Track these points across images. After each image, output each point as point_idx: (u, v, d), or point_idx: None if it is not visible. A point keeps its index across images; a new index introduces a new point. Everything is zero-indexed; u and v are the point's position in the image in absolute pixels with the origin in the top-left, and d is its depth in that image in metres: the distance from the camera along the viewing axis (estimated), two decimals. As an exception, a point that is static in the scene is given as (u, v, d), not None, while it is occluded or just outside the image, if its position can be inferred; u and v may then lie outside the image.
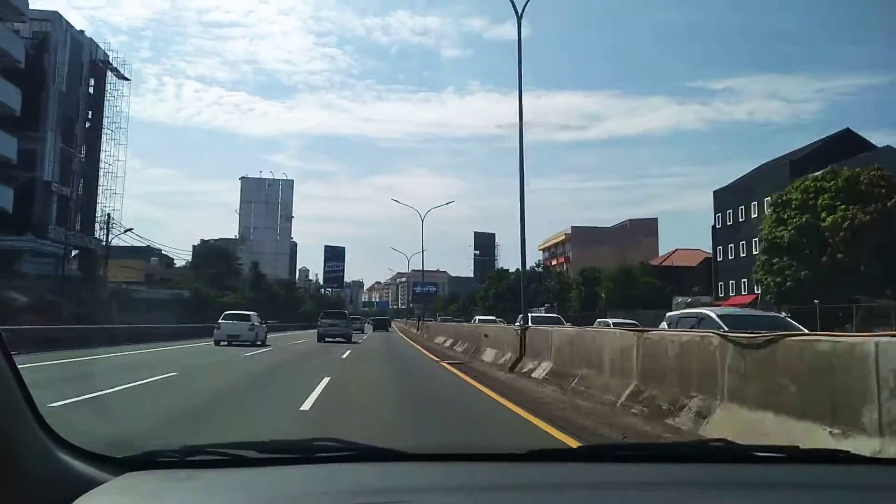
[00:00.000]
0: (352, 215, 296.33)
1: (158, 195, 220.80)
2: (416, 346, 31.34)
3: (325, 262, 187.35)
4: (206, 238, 72.62)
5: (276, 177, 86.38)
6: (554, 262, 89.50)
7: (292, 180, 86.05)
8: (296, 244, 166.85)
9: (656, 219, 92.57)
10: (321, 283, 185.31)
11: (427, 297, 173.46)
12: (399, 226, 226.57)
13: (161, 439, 4.88)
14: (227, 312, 28.48)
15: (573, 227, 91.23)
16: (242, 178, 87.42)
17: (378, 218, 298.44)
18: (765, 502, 1.43)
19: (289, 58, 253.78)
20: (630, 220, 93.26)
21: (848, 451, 1.88)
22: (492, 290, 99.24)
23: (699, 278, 65.92)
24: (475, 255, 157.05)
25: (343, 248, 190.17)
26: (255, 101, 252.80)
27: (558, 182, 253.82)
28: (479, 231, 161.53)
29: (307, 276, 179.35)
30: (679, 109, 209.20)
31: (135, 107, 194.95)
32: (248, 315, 28.09)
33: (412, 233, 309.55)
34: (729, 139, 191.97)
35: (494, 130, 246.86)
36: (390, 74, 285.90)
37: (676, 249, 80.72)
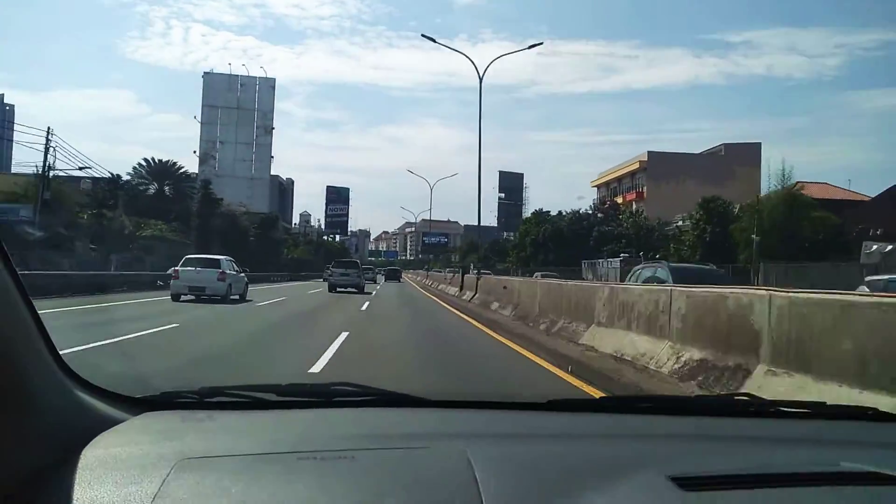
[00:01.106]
0: (360, 165, 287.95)
1: (166, 141, 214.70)
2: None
3: (327, 204, 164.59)
4: (155, 158, 50.03)
5: (252, 73, 60.84)
6: (619, 200, 66.56)
7: (273, 79, 60.76)
8: (292, 182, 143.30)
9: (759, 144, 69.18)
10: (323, 228, 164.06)
11: (438, 248, 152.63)
12: (409, 178, 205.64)
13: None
14: (188, 257, 20.81)
15: (649, 153, 68.36)
16: (206, 75, 59.56)
17: (387, 169, 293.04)
18: (789, 457, 1.38)
19: (298, 2, 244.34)
20: (724, 144, 70.03)
21: (876, 409, 1.78)
22: (528, 237, 77.87)
23: (876, 217, 42.59)
24: (500, 198, 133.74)
25: (347, 190, 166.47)
26: (263, 46, 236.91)
27: (572, 135, 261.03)
28: (504, 171, 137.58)
29: (308, 221, 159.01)
30: (697, 62, 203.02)
31: (142, 51, 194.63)
32: (218, 260, 20.55)
33: (422, 186, 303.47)
34: (747, 94, 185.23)
35: (508, 79, 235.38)
36: (401, 20, 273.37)
37: (798, 183, 57.63)
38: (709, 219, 39.89)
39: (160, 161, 49.21)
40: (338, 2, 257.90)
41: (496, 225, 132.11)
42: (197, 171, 58.07)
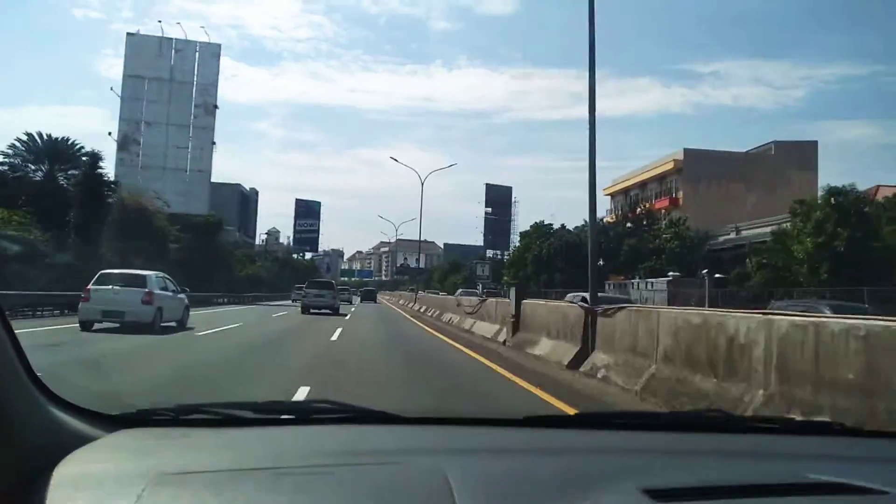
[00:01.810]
0: (335, 187, 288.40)
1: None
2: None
3: (296, 219, 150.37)
4: (44, 134, 35.57)
5: (190, 36, 46.29)
6: (645, 207, 53.70)
7: (218, 45, 45.38)
8: (256, 192, 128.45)
9: (815, 143, 57.27)
10: (292, 245, 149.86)
11: (416, 271, 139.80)
12: (385, 197, 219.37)
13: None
14: (103, 272, 15.80)
15: (686, 151, 55.75)
16: (130, 36, 44.52)
17: (362, 190, 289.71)
18: (759, 470, 1.40)
19: (275, 23, 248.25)
20: (774, 141, 57.86)
21: (842, 424, 1.89)
22: (529, 253, 65.30)
23: None
24: (486, 213, 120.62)
25: (318, 204, 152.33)
26: (239, 66, 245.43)
27: (541, 161, 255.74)
28: (492, 183, 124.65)
29: (277, 238, 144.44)
30: (666, 92, 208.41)
31: (116, 69, 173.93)
32: (144, 277, 15.80)
33: (398, 207, 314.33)
34: (715, 124, 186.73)
35: (481, 105, 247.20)
36: (378, 45, 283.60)
37: (878, 186, 45.34)
38: (841, 219, 26.72)
39: (50, 137, 35.15)
40: (314, 25, 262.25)
41: (482, 243, 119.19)
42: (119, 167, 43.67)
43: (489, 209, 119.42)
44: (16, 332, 1.25)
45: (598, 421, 1.94)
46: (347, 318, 25.59)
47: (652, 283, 44.21)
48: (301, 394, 7.07)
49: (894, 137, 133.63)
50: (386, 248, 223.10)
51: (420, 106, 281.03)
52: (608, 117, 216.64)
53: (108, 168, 44.95)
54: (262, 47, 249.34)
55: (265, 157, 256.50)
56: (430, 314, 28.03)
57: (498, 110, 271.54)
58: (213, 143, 45.20)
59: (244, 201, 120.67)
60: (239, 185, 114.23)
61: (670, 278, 42.31)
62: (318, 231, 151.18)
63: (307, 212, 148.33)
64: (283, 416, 1.71)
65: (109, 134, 44.26)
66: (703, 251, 46.94)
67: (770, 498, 1.19)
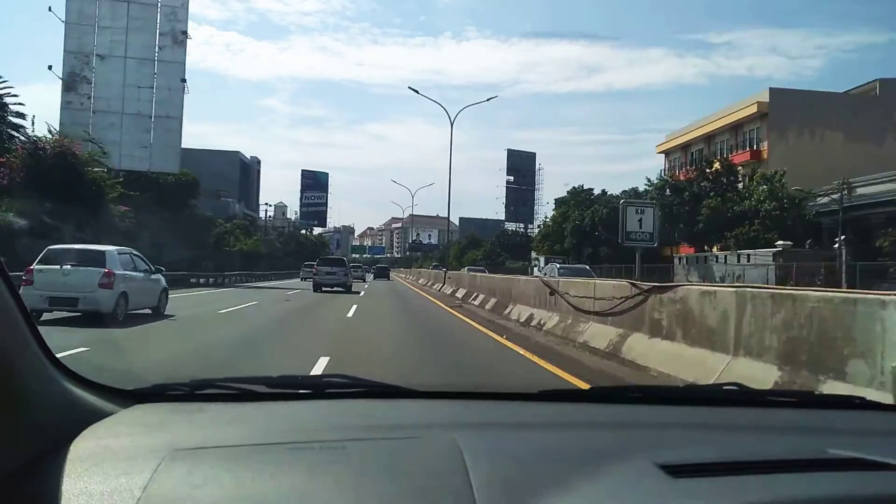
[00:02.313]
0: (344, 163, 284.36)
1: None
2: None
3: (303, 191, 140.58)
4: None
5: None
6: (723, 162, 43.16)
7: None
8: (258, 161, 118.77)
9: (928, 78, 46.55)
10: (298, 219, 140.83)
11: (428, 246, 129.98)
12: (396, 172, 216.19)
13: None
14: (52, 248, 12.87)
15: (772, 91, 45.18)
16: None
17: (371, 166, 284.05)
18: (776, 445, 1.38)
19: None
20: (879, 80, 47.14)
21: (863, 398, 1.83)
22: (569, 223, 55.80)
23: None
24: (507, 182, 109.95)
25: (326, 175, 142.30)
26: (246, 41, 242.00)
27: (552, 135, 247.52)
28: (514, 149, 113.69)
29: (284, 213, 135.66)
30: (679, 62, 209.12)
31: None
32: (101, 253, 12.93)
33: (409, 182, 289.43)
34: (728, 95, 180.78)
35: (491, 78, 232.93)
36: (386, 17, 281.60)
37: None
38: None
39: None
40: None
41: (503, 216, 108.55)
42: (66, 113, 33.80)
43: (510, 178, 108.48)
44: None
45: (613, 395, 1.91)
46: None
47: (749, 255, 34.15)
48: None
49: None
50: (398, 224, 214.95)
51: (429, 79, 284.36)
52: (617, 90, 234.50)
53: (52, 112, 35.08)
54: (269, 21, 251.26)
55: (273, 133, 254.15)
56: (478, 303, 18.25)
57: (508, 83, 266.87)
58: (184, 80, 34.98)
59: (244, 170, 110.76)
60: (238, 152, 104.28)
61: (779, 249, 32.24)
62: (326, 204, 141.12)
63: (314, 183, 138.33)
64: (298, 391, 1.69)
65: (50, 68, 34.16)
66: (807, 214, 36.61)
67: (790, 473, 1.17)
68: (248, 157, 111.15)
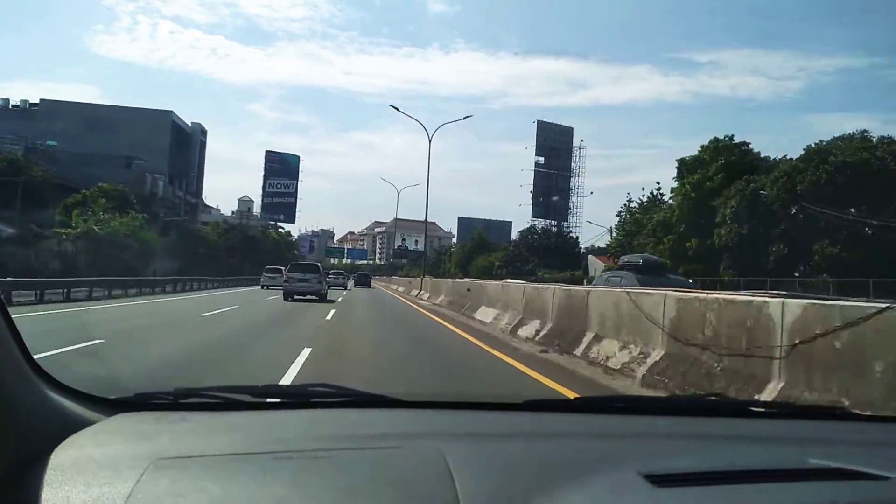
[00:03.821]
0: (329, 171, 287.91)
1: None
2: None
3: (266, 178, 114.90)
4: None
5: None
6: None
7: None
8: (202, 131, 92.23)
9: None
10: (260, 213, 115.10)
11: (414, 253, 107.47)
12: (379, 184, 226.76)
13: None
14: None
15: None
16: None
17: (356, 174, 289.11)
18: (758, 455, 1.41)
19: (269, 2, 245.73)
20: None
21: (843, 409, 2.01)
22: (732, 201, 32.59)
23: None
24: (536, 164, 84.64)
25: (297, 158, 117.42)
26: (232, 46, 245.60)
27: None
28: (545, 120, 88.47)
29: (250, 208, 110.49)
30: (663, 80, 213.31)
31: (107, 45, 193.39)
32: None
33: (393, 193, 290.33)
34: (711, 114, 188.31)
35: (478, 91, 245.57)
36: (374, 27, 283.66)
37: None
38: None
39: None
40: (310, 4, 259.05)
41: (531, 208, 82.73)
42: None
43: (540, 158, 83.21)
44: None
45: (598, 405, 1.93)
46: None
47: None
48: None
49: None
50: (381, 229, 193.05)
51: (415, 90, 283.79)
52: (604, 104, 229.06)
53: None
54: (256, 26, 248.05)
55: (257, 139, 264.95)
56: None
57: (495, 95, 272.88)
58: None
59: (180, 139, 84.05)
60: (171, 112, 77.94)
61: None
62: (295, 195, 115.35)
63: (281, 168, 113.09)
64: (282, 400, 1.69)
65: None
66: None
67: (771, 483, 1.20)
68: (189, 124, 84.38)
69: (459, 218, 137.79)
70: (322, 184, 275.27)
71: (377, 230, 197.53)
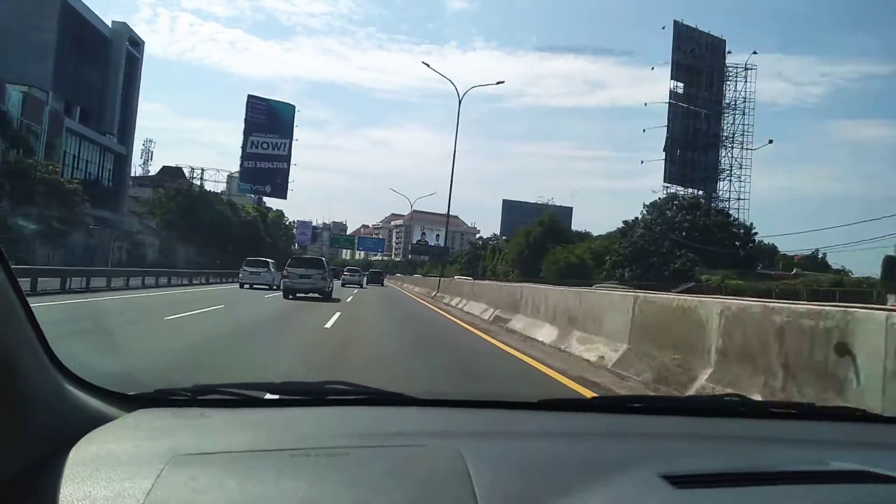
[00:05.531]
0: (344, 166, 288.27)
1: (146, 130, 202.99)
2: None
3: (246, 135, 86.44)
4: None
5: None
6: None
7: None
8: (138, 42, 63.43)
9: None
10: (238, 183, 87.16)
11: (436, 249, 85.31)
12: (394, 182, 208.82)
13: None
14: None
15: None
16: None
17: (372, 171, 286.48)
18: (779, 457, 1.43)
19: None
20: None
21: (864, 410, 1.90)
22: None
23: None
24: (671, 91, 55.90)
25: (291, 108, 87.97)
26: (251, 40, 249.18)
27: (554, 149, 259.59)
28: (683, 22, 59.20)
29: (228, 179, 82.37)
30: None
31: None
32: None
33: (409, 190, 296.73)
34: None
35: (496, 89, 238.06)
36: (393, 23, 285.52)
37: None
38: None
39: None
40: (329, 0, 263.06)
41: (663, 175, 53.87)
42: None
43: (678, 83, 53.78)
44: None
45: (615, 405, 1.97)
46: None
47: None
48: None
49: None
50: (399, 221, 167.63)
51: (432, 87, 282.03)
52: (621, 106, 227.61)
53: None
54: (275, 20, 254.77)
55: None
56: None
57: (511, 94, 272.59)
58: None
59: (83, 40, 53.82)
60: (84, 11, 49.79)
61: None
62: (287, 160, 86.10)
63: (267, 122, 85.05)
64: (300, 397, 1.73)
65: None
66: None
67: (792, 485, 1.20)
68: (108, 23, 54.83)
69: (504, 201, 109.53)
70: (337, 179, 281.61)
71: (394, 223, 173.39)
